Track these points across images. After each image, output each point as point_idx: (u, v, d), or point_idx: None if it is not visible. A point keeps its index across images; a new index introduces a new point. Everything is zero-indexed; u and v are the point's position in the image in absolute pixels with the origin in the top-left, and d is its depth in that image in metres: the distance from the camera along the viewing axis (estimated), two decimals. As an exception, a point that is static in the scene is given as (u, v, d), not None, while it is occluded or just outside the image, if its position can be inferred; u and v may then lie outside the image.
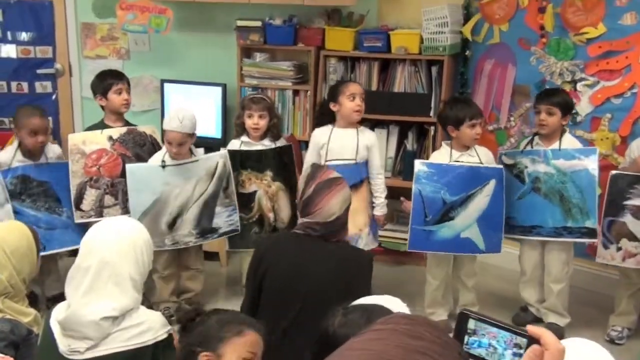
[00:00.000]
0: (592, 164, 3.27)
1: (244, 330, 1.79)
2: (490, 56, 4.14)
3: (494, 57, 4.13)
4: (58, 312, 2.04)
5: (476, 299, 3.56)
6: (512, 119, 4.12)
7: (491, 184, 3.29)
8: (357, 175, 3.39)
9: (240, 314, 1.93)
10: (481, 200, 3.30)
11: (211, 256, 4.08)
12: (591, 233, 3.29)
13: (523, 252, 3.55)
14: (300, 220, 2.52)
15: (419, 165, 3.34)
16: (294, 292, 2.36)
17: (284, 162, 3.54)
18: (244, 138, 3.56)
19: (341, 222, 2.45)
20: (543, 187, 3.35)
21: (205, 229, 3.42)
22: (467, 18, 4.12)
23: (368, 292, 2.33)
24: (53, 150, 3.59)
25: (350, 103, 3.38)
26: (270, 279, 2.41)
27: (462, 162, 3.34)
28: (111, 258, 2.01)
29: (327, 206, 2.41)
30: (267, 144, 3.55)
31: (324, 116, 3.53)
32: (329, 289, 2.33)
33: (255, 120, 3.49)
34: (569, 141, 3.38)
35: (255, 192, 3.50)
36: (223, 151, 3.48)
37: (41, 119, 3.44)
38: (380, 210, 3.51)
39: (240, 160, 3.50)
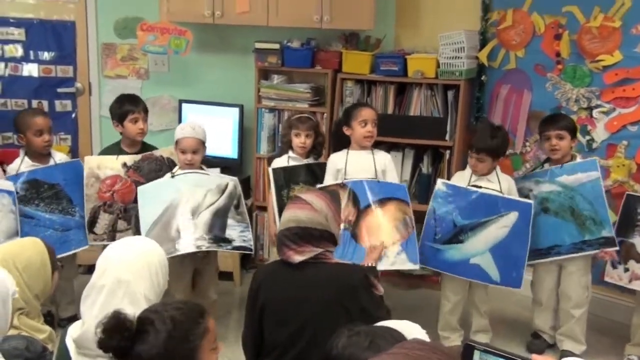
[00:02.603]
0: (595, 174, 3.28)
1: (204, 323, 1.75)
2: (506, 81, 4.16)
3: (510, 83, 4.14)
4: (73, 330, 2.05)
5: (489, 325, 3.53)
6: (527, 144, 4.12)
7: (511, 216, 3.24)
8: (381, 192, 3.35)
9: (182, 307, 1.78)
10: (497, 230, 3.26)
11: (225, 276, 4.10)
12: (610, 242, 3.27)
13: (538, 278, 3.52)
14: None
15: (440, 184, 3.38)
16: (296, 323, 2.33)
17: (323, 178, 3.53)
18: (291, 154, 3.57)
19: (278, 238, 2.37)
20: (552, 206, 3.34)
21: (218, 237, 3.31)
22: (483, 43, 4.15)
23: (369, 307, 2.34)
24: (60, 156, 3.65)
25: (361, 129, 3.39)
26: (269, 313, 2.39)
27: (480, 186, 3.33)
28: (126, 277, 2.01)
29: (285, 215, 2.39)
30: (311, 161, 3.57)
31: (339, 138, 3.54)
32: (329, 314, 2.30)
33: (302, 139, 3.52)
34: None
35: None
36: (234, 177, 3.47)
37: (44, 117, 3.52)
38: None
39: (290, 175, 3.50)
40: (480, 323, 3.52)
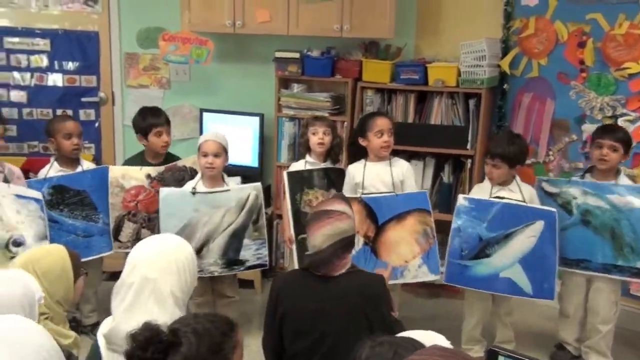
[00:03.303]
0: None
1: (235, 336, 1.75)
2: (529, 90, 4.13)
3: (533, 91, 4.11)
4: (104, 326, 2.09)
5: (513, 336, 3.49)
6: (550, 153, 4.08)
7: (537, 225, 3.18)
8: (400, 207, 3.33)
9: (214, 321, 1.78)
10: (524, 241, 3.20)
11: (246, 284, 4.10)
12: (641, 274, 3.20)
13: (567, 291, 3.45)
14: None
15: (461, 199, 3.32)
16: (317, 332, 2.35)
17: (341, 184, 3.53)
18: (308, 158, 3.58)
19: (325, 256, 2.36)
20: (594, 221, 3.26)
21: (231, 260, 3.41)
22: (505, 52, 4.13)
23: (388, 315, 2.38)
24: (88, 164, 3.70)
25: (378, 140, 3.36)
26: (290, 322, 2.40)
27: (502, 197, 3.28)
28: (153, 275, 2.05)
29: (311, 238, 2.40)
30: (329, 166, 3.57)
31: (355, 148, 3.50)
32: (351, 323, 2.33)
33: (320, 136, 3.51)
34: (624, 182, 3.29)
35: None
36: (257, 184, 3.48)
37: (74, 122, 3.60)
38: None
39: (303, 179, 3.51)
40: (504, 334, 3.47)
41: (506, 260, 3.23)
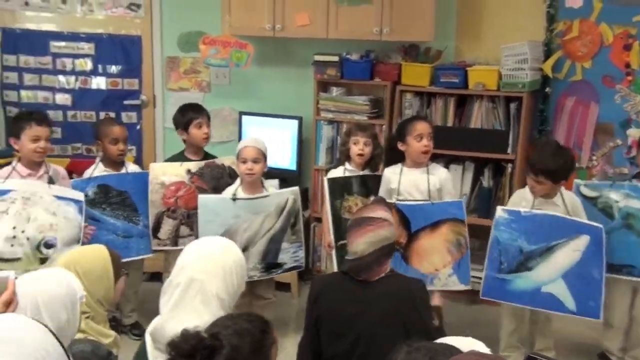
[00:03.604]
0: None
1: (272, 333, 1.77)
2: (572, 93, 4.05)
3: (576, 95, 4.04)
4: (152, 325, 2.12)
5: (552, 344, 3.42)
6: (594, 158, 4.00)
7: (582, 240, 3.06)
8: (434, 215, 3.29)
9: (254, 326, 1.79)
10: (568, 255, 3.08)
11: (283, 287, 4.12)
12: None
13: (611, 299, 3.31)
14: None
15: (499, 211, 3.23)
16: (353, 335, 2.36)
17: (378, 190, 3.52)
18: (347, 166, 3.57)
19: (365, 262, 2.38)
20: (637, 224, 3.17)
21: (270, 264, 3.44)
22: (547, 54, 4.06)
23: (427, 318, 2.38)
24: (132, 167, 3.77)
25: (417, 144, 3.31)
26: (327, 324, 2.42)
27: (544, 209, 3.17)
28: (199, 276, 2.07)
29: (352, 244, 2.41)
30: (367, 174, 3.56)
31: (392, 153, 3.47)
32: (385, 328, 2.32)
33: (360, 147, 3.50)
34: None
35: None
36: (294, 188, 3.50)
37: (120, 127, 3.67)
38: None
39: (344, 186, 3.51)
40: (543, 342, 3.41)
41: (549, 274, 3.12)
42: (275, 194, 3.47)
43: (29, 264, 3.01)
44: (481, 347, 1.65)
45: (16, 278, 1.75)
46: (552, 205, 3.19)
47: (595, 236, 3.05)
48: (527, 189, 3.30)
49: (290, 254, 3.44)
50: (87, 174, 3.62)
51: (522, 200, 3.28)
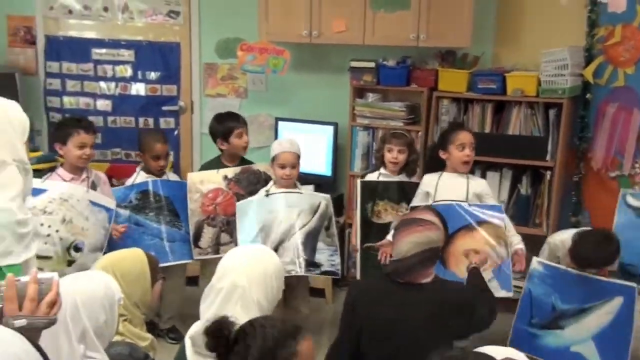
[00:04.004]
0: None
1: (294, 346, 1.74)
2: (614, 100, 3.97)
3: (618, 101, 3.95)
4: (192, 328, 2.14)
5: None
6: (637, 165, 3.90)
7: (616, 302, 2.99)
8: (471, 216, 3.25)
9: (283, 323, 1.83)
10: (601, 317, 3.02)
11: (317, 292, 4.11)
12: None
13: None
14: None
15: (535, 263, 3.19)
16: (393, 341, 2.36)
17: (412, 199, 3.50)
18: (382, 171, 3.59)
19: (409, 263, 2.38)
20: None
21: (307, 260, 3.34)
22: (588, 60, 3.98)
23: (467, 330, 2.43)
24: (173, 177, 3.82)
25: (458, 153, 3.33)
26: (367, 330, 2.41)
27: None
28: (242, 283, 2.10)
29: (397, 244, 2.42)
30: (403, 179, 3.57)
31: (433, 161, 3.48)
32: (428, 334, 2.33)
33: (394, 155, 3.52)
34: None
35: (390, 223, 3.45)
36: (326, 195, 3.50)
37: (163, 145, 3.71)
38: (522, 244, 3.25)
39: (376, 190, 3.51)
40: None
41: (579, 335, 3.07)
42: (309, 193, 3.48)
43: (58, 264, 3.07)
44: (522, 358, 1.62)
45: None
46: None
47: (628, 296, 2.98)
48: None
49: (327, 256, 3.38)
50: (129, 182, 3.69)
51: (561, 249, 3.22)
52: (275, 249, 3.28)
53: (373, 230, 3.48)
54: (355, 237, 3.49)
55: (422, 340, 2.31)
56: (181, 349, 2.18)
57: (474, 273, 2.80)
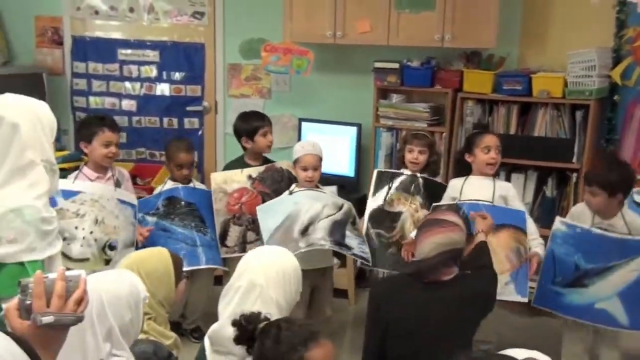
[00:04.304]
0: None
1: (302, 352, 1.78)
2: (642, 101, 3.91)
3: (646, 103, 3.89)
4: (210, 329, 2.16)
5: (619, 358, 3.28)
6: (665, 168, 3.84)
7: None
8: (494, 218, 3.16)
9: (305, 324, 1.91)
10: (626, 275, 3.01)
11: (340, 293, 4.11)
12: None
13: None
14: None
15: (558, 223, 3.17)
16: (418, 338, 2.39)
17: (433, 197, 3.47)
18: (404, 171, 3.57)
19: (431, 264, 2.42)
20: None
21: (338, 240, 3.25)
22: (616, 61, 3.93)
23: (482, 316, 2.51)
24: (199, 186, 3.83)
25: (484, 156, 3.32)
26: (392, 328, 2.44)
27: (605, 229, 3.08)
28: (260, 281, 2.12)
29: (420, 244, 2.46)
30: (425, 175, 3.55)
31: (460, 165, 3.48)
32: (450, 332, 2.39)
33: (415, 155, 3.51)
34: None
35: (401, 212, 3.44)
36: (349, 202, 3.43)
37: (186, 154, 3.71)
38: (540, 249, 3.23)
39: (392, 180, 3.50)
40: (609, 355, 3.27)
41: (604, 292, 3.05)
42: (332, 193, 3.46)
43: (96, 264, 3.10)
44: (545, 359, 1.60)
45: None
46: (610, 227, 3.10)
47: None
48: (586, 209, 3.21)
49: (356, 244, 3.30)
50: (157, 190, 3.72)
51: (581, 215, 3.21)
52: (305, 229, 3.20)
53: (384, 218, 3.45)
54: (362, 222, 3.47)
55: (445, 336, 2.37)
56: (201, 348, 2.20)
57: (481, 248, 2.80)
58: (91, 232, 3.13)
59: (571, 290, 3.10)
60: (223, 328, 2.08)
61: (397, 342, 2.42)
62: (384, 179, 3.51)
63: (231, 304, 2.12)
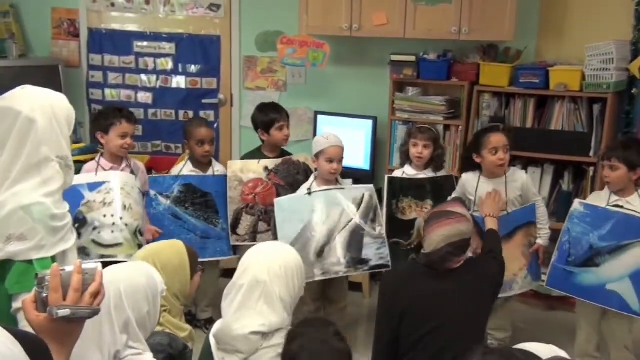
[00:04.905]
0: None
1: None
2: (661, 95, 3.86)
3: (665, 96, 3.84)
4: (215, 327, 2.17)
5: (632, 358, 3.25)
6: (683, 162, 3.79)
7: None
8: (509, 225, 3.25)
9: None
10: (638, 255, 3.00)
11: (354, 287, 4.11)
12: None
13: None
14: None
15: (576, 204, 3.20)
16: (434, 323, 2.44)
17: (443, 193, 3.49)
18: (407, 168, 3.59)
19: (441, 255, 2.47)
20: None
21: (354, 258, 3.29)
22: (635, 54, 3.88)
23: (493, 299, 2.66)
24: (219, 167, 3.84)
25: (492, 157, 3.27)
26: (409, 317, 2.47)
27: (621, 206, 3.11)
28: (263, 278, 2.11)
29: (428, 237, 2.49)
30: (429, 174, 3.55)
31: (469, 161, 3.43)
32: (468, 311, 2.47)
33: (419, 150, 3.50)
34: None
35: (415, 219, 3.49)
36: (369, 185, 3.47)
37: (207, 129, 3.76)
38: (543, 240, 3.36)
39: (401, 187, 3.52)
40: (618, 355, 3.24)
41: (615, 272, 3.05)
42: (351, 187, 3.46)
43: (130, 248, 3.10)
44: (561, 354, 1.59)
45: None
46: (627, 204, 3.11)
47: None
48: (604, 191, 3.25)
49: (374, 250, 3.31)
50: (175, 171, 3.73)
51: (596, 199, 3.25)
52: (321, 251, 3.25)
53: (399, 226, 3.48)
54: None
55: (460, 321, 2.43)
56: (206, 345, 2.20)
57: (491, 235, 2.97)
58: (121, 218, 3.14)
59: (583, 270, 3.12)
60: (230, 326, 2.07)
61: (413, 330, 2.45)
62: (395, 186, 3.52)
63: (235, 301, 2.11)
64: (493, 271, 2.66)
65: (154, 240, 3.29)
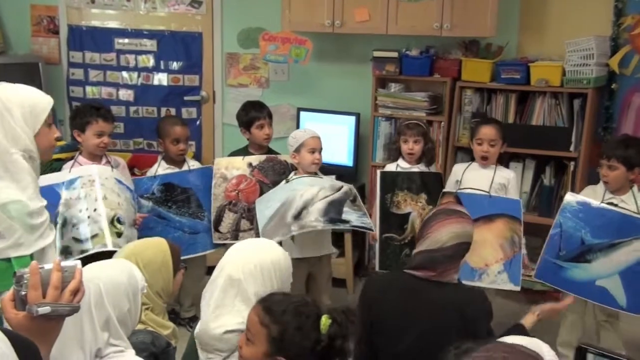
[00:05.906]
0: None
1: None
2: (640, 90, 3.91)
3: (644, 91, 3.89)
4: (197, 327, 2.15)
5: (622, 343, 3.29)
6: (662, 157, 3.83)
7: None
8: (490, 208, 3.28)
9: None
10: (629, 253, 3.02)
11: (338, 282, 4.12)
12: None
13: None
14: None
15: (569, 197, 3.21)
16: (406, 341, 2.26)
17: (437, 187, 3.52)
18: (400, 162, 3.62)
19: (447, 253, 2.24)
20: None
21: (333, 218, 3.18)
22: (614, 50, 3.92)
23: (482, 333, 2.22)
24: (193, 163, 3.83)
25: (477, 147, 3.45)
26: (383, 329, 2.33)
27: (615, 204, 3.14)
28: (237, 276, 2.07)
29: (436, 233, 2.26)
30: (421, 169, 3.59)
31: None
32: (443, 340, 2.21)
33: (410, 146, 3.55)
34: None
35: (409, 213, 3.49)
36: (350, 185, 3.41)
37: (182, 127, 3.72)
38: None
39: (396, 181, 3.53)
40: (610, 339, 3.28)
41: (606, 269, 3.08)
42: (330, 178, 3.44)
43: (104, 238, 3.05)
44: (547, 351, 1.60)
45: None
46: (621, 202, 3.15)
47: None
48: (599, 185, 3.27)
49: (355, 216, 3.23)
50: (151, 172, 3.70)
51: (591, 194, 3.26)
52: (299, 214, 3.16)
53: (392, 221, 3.49)
54: (375, 226, 3.47)
55: (429, 343, 2.15)
56: (190, 343, 2.19)
57: (517, 329, 2.44)
58: (95, 210, 3.10)
59: (574, 265, 3.13)
60: (208, 324, 2.05)
61: (384, 346, 2.32)
62: (389, 180, 3.52)
63: (212, 300, 2.08)
64: (475, 315, 2.28)
65: (141, 231, 3.27)
